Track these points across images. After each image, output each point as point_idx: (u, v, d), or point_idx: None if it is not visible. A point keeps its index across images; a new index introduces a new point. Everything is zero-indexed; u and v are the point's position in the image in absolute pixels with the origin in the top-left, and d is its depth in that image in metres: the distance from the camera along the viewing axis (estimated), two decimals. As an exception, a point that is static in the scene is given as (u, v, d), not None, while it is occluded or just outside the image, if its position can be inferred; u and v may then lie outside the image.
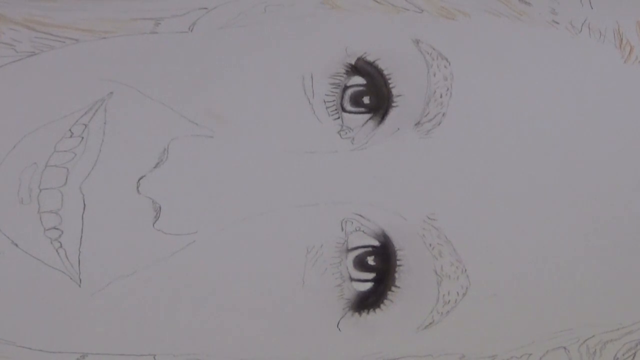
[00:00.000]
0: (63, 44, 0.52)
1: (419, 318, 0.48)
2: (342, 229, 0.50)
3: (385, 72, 0.54)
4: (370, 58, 0.54)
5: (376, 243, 0.50)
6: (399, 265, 0.49)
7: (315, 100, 0.53)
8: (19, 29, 0.52)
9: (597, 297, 0.48)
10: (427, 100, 0.53)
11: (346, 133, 0.52)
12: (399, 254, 0.49)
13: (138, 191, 0.50)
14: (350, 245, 0.50)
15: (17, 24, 0.52)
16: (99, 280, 0.49)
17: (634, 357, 0.47)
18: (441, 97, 0.53)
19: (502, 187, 0.51)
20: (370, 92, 0.53)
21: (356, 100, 0.53)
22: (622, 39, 0.55)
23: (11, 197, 0.50)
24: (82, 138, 0.51)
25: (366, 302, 0.48)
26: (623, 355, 0.47)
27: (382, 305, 0.48)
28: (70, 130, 0.51)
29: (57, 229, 0.50)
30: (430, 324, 0.48)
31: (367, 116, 0.53)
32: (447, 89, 0.53)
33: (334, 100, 0.53)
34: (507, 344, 0.47)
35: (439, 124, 0.52)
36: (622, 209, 0.51)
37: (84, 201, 0.50)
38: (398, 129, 0.52)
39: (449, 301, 0.48)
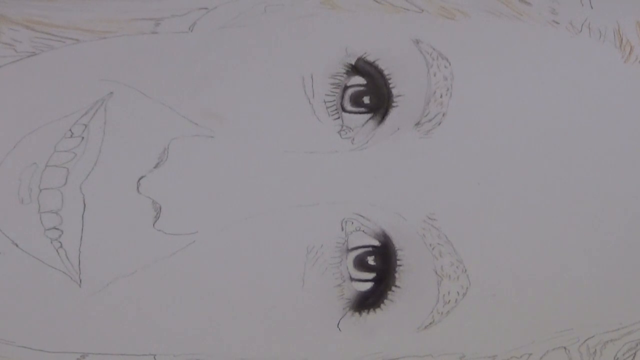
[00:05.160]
0: (63, 44, 0.52)
1: (419, 318, 0.48)
2: (342, 229, 0.50)
3: (385, 72, 0.54)
4: (370, 58, 0.54)
5: (376, 243, 0.50)
6: (399, 265, 0.49)
7: (316, 100, 0.53)
8: (19, 29, 0.52)
9: (597, 297, 0.48)
10: (427, 100, 0.53)
11: (346, 133, 0.52)
12: (399, 253, 0.49)
13: (138, 191, 0.51)
14: (351, 245, 0.50)
15: (17, 24, 0.52)
16: (99, 280, 0.49)
17: (634, 357, 0.47)
18: (441, 97, 0.53)
19: (502, 187, 0.51)
20: (371, 92, 0.53)
21: (356, 100, 0.53)
22: (622, 38, 0.55)
23: (11, 197, 0.50)
24: (82, 138, 0.51)
25: (366, 302, 0.48)
26: (623, 355, 0.47)
27: (382, 305, 0.48)
28: (70, 130, 0.51)
29: (57, 229, 0.50)
30: (431, 324, 0.48)
31: (367, 116, 0.53)
32: (447, 89, 0.53)
33: (334, 100, 0.53)
34: (507, 344, 0.47)
35: (439, 124, 0.52)
36: (622, 208, 0.51)
37: (84, 201, 0.50)
38: (398, 129, 0.52)
39: (449, 301, 0.48)
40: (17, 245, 0.49)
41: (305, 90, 0.53)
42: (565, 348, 0.47)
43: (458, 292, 0.48)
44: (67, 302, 0.48)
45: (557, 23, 0.56)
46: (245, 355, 0.47)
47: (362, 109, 0.53)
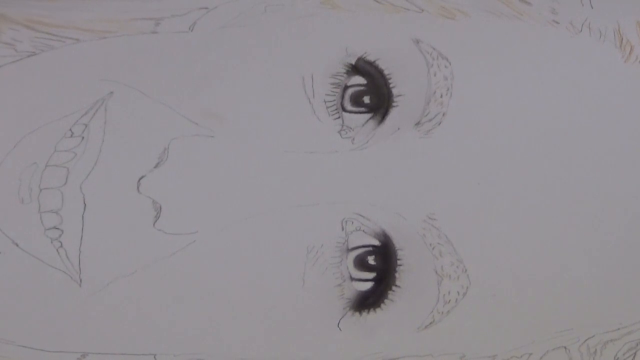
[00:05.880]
0: (63, 44, 0.52)
1: (419, 318, 0.48)
2: (343, 229, 0.50)
3: (385, 72, 0.54)
4: (370, 58, 0.54)
5: (376, 243, 0.50)
6: (400, 265, 0.49)
7: (316, 100, 0.53)
8: (19, 29, 0.52)
9: (597, 297, 0.49)
10: (428, 100, 0.53)
11: (346, 133, 0.52)
12: (400, 253, 0.49)
13: (138, 191, 0.51)
14: (351, 245, 0.50)
15: (18, 23, 0.52)
16: (99, 280, 0.49)
17: (634, 357, 0.47)
18: (441, 97, 0.53)
19: (502, 187, 0.51)
20: (371, 91, 0.53)
21: (356, 100, 0.53)
22: (622, 38, 0.55)
23: (11, 197, 0.50)
24: (83, 138, 0.51)
25: (366, 302, 0.48)
26: (623, 355, 0.47)
27: (382, 305, 0.48)
28: (70, 130, 0.51)
29: (57, 228, 0.50)
30: (431, 323, 0.48)
31: (367, 116, 0.53)
32: (448, 89, 0.53)
33: (334, 100, 0.53)
34: (507, 343, 0.47)
35: (439, 124, 0.53)
36: (622, 208, 0.51)
37: (84, 201, 0.50)
38: (398, 128, 0.53)
39: (449, 301, 0.48)
40: (17, 245, 0.49)
41: (306, 90, 0.53)
42: (565, 348, 0.47)
43: (458, 292, 0.48)
44: (67, 301, 0.48)
45: (557, 23, 0.56)
46: (245, 355, 0.47)
47: (363, 109, 0.53)
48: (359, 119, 0.53)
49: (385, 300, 0.48)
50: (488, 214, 0.50)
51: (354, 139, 0.52)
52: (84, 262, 0.49)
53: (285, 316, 0.48)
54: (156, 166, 0.51)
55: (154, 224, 0.50)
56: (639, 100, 0.54)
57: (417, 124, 0.53)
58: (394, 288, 0.49)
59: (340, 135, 0.52)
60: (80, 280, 0.49)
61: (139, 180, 0.51)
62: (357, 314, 0.48)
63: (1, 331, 0.47)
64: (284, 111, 0.52)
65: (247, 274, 0.49)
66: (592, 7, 0.56)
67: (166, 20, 0.53)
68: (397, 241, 0.50)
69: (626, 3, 0.56)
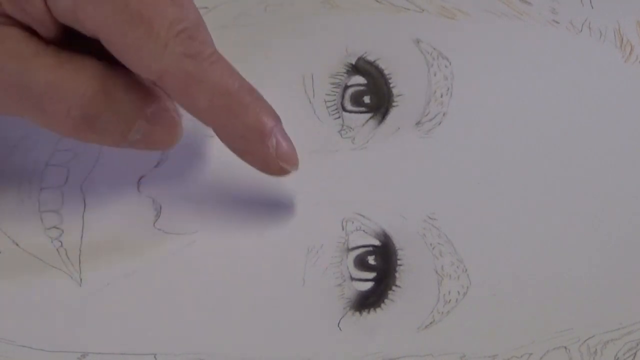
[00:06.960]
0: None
1: (419, 317, 0.48)
2: (343, 229, 0.50)
3: (385, 72, 0.54)
4: (370, 58, 0.54)
5: (377, 242, 0.50)
6: (400, 265, 0.49)
7: (316, 100, 0.53)
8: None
9: (597, 297, 0.48)
10: (428, 100, 0.53)
11: (347, 132, 0.52)
12: (400, 253, 0.49)
13: (139, 190, 0.51)
14: (351, 245, 0.49)
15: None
16: (99, 280, 0.49)
17: (634, 357, 0.47)
18: (442, 96, 0.53)
19: (503, 187, 0.51)
20: (371, 91, 0.53)
21: (357, 99, 0.53)
22: (622, 38, 0.55)
23: (12, 196, 0.50)
24: (83, 137, 0.51)
25: (367, 302, 0.48)
26: (623, 355, 0.47)
27: (382, 305, 0.48)
28: (70, 129, 0.51)
29: (57, 228, 0.50)
30: (431, 323, 0.48)
31: (367, 116, 0.53)
32: (448, 89, 0.53)
33: (334, 100, 0.53)
34: (507, 343, 0.47)
35: (439, 124, 0.53)
36: (622, 208, 0.51)
37: (84, 200, 0.50)
38: (398, 128, 0.53)
39: (450, 300, 0.48)
40: (17, 244, 0.49)
41: (306, 90, 0.53)
42: (565, 347, 0.47)
43: (458, 292, 0.48)
44: (67, 301, 0.48)
45: (558, 23, 0.56)
46: (245, 355, 0.47)
47: (363, 109, 0.53)
48: (359, 119, 0.53)
49: (386, 300, 0.48)
50: (488, 214, 0.50)
51: (354, 138, 0.52)
52: (84, 262, 0.49)
53: (285, 316, 0.48)
54: (156, 166, 0.51)
55: (154, 224, 0.50)
56: (639, 100, 0.54)
57: (418, 123, 0.53)
58: (394, 288, 0.48)
59: (341, 135, 0.52)
60: (81, 280, 0.49)
61: (139, 180, 0.51)
62: (357, 314, 0.48)
63: (1, 331, 0.47)
64: (284, 111, 0.52)
65: (247, 274, 0.49)
66: (592, 7, 0.56)
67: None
68: (397, 241, 0.49)
69: (626, 3, 0.57)
